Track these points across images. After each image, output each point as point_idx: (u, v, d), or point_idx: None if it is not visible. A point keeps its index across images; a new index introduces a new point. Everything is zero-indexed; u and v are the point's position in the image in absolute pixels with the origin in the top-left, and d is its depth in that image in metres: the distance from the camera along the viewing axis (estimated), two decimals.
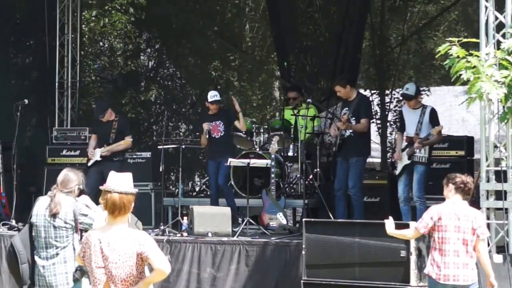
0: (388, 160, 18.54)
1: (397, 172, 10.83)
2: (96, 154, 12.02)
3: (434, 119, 10.68)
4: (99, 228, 6.03)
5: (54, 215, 7.21)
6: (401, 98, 13.91)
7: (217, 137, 12.12)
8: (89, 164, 12.03)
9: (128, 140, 12.07)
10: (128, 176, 5.94)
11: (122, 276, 5.74)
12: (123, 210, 5.83)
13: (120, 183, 5.87)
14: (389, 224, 7.78)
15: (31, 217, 7.37)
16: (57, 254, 7.26)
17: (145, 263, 5.82)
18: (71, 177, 7.38)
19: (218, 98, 12.14)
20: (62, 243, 7.25)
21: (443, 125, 10.81)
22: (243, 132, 12.64)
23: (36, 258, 7.30)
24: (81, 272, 7.24)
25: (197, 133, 12.84)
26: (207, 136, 12.10)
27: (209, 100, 12.14)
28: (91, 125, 13.11)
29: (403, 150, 10.79)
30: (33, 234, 7.34)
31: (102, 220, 7.14)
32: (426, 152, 10.65)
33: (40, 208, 7.33)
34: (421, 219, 7.63)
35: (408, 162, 10.63)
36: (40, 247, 7.30)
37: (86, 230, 7.03)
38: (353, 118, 11.25)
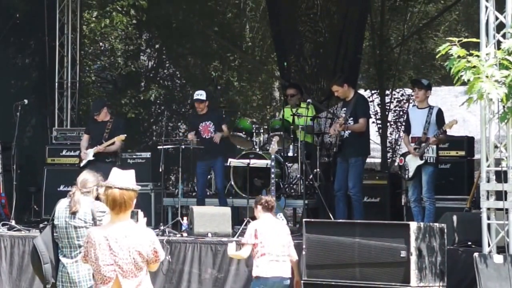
0: (389, 160, 18.54)
1: (410, 174, 10.74)
2: (88, 154, 11.94)
3: (440, 119, 10.69)
4: (101, 226, 6.00)
5: (73, 213, 7.46)
6: (410, 86, 13.86)
7: (207, 137, 12.15)
8: (82, 164, 11.92)
9: (121, 136, 11.90)
10: (130, 173, 5.91)
11: (133, 271, 5.74)
12: (124, 206, 5.78)
13: (122, 179, 5.83)
14: (230, 247, 8.99)
15: (53, 219, 7.60)
16: (80, 252, 7.45)
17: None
18: (90, 178, 7.65)
19: (200, 97, 12.18)
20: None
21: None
22: (243, 132, 12.65)
23: (60, 257, 7.56)
24: None
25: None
26: (195, 140, 12.17)
27: (194, 97, 12.29)
28: (86, 124, 13.10)
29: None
30: (56, 235, 7.59)
31: None
32: (434, 152, 10.65)
33: (61, 210, 7.58)
34: (245, 236, 8.88)
35: (421, 162, 10.60)
36: (64, 247, 7.57)
37: None
38: (351, 119, 11.24)
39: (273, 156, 11.62)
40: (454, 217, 9.80)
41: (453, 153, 12.58)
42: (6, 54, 16.06)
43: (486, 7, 8.85)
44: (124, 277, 5.73)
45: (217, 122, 12.25)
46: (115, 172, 5.89)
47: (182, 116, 20.16)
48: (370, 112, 13.30)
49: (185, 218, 11.42)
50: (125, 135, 12.01)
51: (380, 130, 18.88)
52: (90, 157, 11.89)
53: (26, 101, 12.83)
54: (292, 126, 12.51)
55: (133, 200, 5.84)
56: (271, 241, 8.71)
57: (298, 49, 16.46)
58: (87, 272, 7.46)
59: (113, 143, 11.87)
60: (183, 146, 12.09)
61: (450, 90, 20.96)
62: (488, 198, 8.95)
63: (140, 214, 5.97)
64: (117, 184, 5.80)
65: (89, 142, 12.17)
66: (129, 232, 5.76)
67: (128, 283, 5.73)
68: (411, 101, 17.50)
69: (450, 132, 10.92)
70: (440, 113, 10.76)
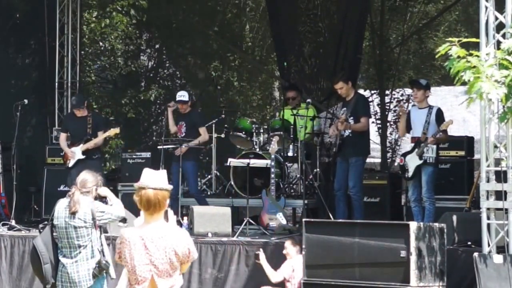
0: (389, 160, 18.55)
1: (409, 174, 10.75)
2: (77, 153, 11.88)
3: (440, 119, 10.69)
4: (137, 226, 5.96)
5: (73, 214, 7.47)
6: (409, 87, 13.89)
7: (179, 137, 12.17)
8: (70, 164, 11.91)
9: (115, 129, 11.94)
10: (162, 173, 5.90)
11: (168, 271, 5.75)
12: (158, 206, 5.75)
13: (154, 179, 5.81)
14: (261, 255, 9.78)
15: (52, 219, 7.61)
16: (79, 252, 7.51)
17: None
18: (89, 178, 7.65)
19: (183, 98, 12.19)
20: (84, 242, 7.50)
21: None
22: (243, 132, 12.66)
23: (60, 257, 7.57)
24: (100, 268, 7.52)
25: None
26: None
27: (176, 99, 12.28)
28: (62, 123, 13.06)
29: (411, 151, 10.77)
30: (56, 235, 7.61)
31: (121, 208, 7.59)
32: (434, 152, 10.64)
33: (61, 210, 7.58)
34: (280, 269, 9.71)
35: (420, 162, 10.61)
36: (64, 247, 7.58)
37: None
38: (352, 118, 11.24)
39: (273, 156, 11.63)
40: (454, 217, 9.80)
41: (453, 153, 12.58)
42: (6, 54, 16.07)
43: (486, 7, 8.85)
44: (159, 276, 5.73)
45: (191, 124, 12.22)
46: (147, 172, 5.88)
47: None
48: (370, 112, 13.29)
49: (185, 218, 11.41)
50: (118, 128, 12.15)
51: (380, 130, 18.90)
52: (80, 156, 11.84)
53: (26, 101, 12.83)
54: (292, 126, 12.51)
55: (166, 200, 5.81)
56: (298, 280, 9.51)
57: (298, 49, 16.45)
58: (87, 272, 7.49)
59: (103, 138, 11.93)
60: (183, 146, 12.08)
61: (450, 90, 20.97)
62: (488, 198, 8.95)
63: (170, 212, 5.94)
64: (150, 185, 5.78)
65: (67, 140, 12.14)
66: (165, 232, 5.75)
67: (163, 283, 5.73)
68: (411, 101, 17.51)
69: (450, 132, 10.91)
70: (439, 112, 10.76)
